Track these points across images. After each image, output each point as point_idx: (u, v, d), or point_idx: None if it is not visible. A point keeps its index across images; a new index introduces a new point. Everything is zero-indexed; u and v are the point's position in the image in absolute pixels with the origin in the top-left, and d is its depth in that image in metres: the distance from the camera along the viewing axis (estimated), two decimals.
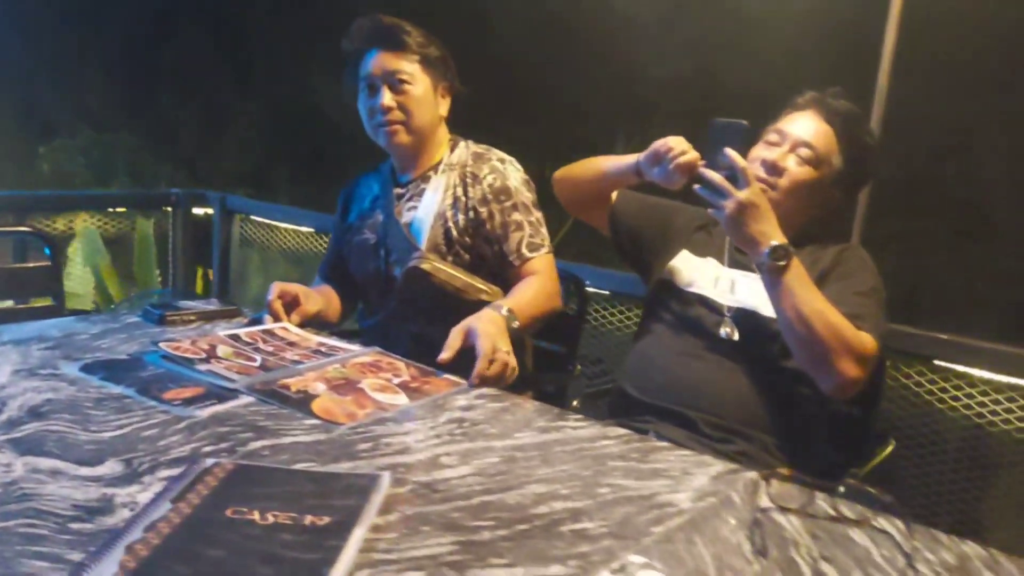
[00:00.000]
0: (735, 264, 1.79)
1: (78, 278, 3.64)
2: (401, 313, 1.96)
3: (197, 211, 3.69)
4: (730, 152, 1.56)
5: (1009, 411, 2.05)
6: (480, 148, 2.03)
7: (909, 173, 7.88)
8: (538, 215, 1.97)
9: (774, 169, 1.74)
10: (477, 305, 1.76)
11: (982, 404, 2.09)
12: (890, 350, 1.98)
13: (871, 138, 1.84)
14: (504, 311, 1.68)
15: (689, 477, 1.21)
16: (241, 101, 11.27)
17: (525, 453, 1.26)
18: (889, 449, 1.74)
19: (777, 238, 1.56)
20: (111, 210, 3.59)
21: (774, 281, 1.57)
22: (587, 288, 2.31)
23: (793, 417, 1.65)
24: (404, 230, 1.95)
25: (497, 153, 2.02)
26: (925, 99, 7.52)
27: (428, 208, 1.95)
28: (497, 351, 1.55)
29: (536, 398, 1.72)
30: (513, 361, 1.58)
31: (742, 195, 1.54)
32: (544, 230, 1.97)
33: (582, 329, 2.21)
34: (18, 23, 10.66)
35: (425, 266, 1.89)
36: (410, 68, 1.90)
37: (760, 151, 1.78)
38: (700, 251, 1.87)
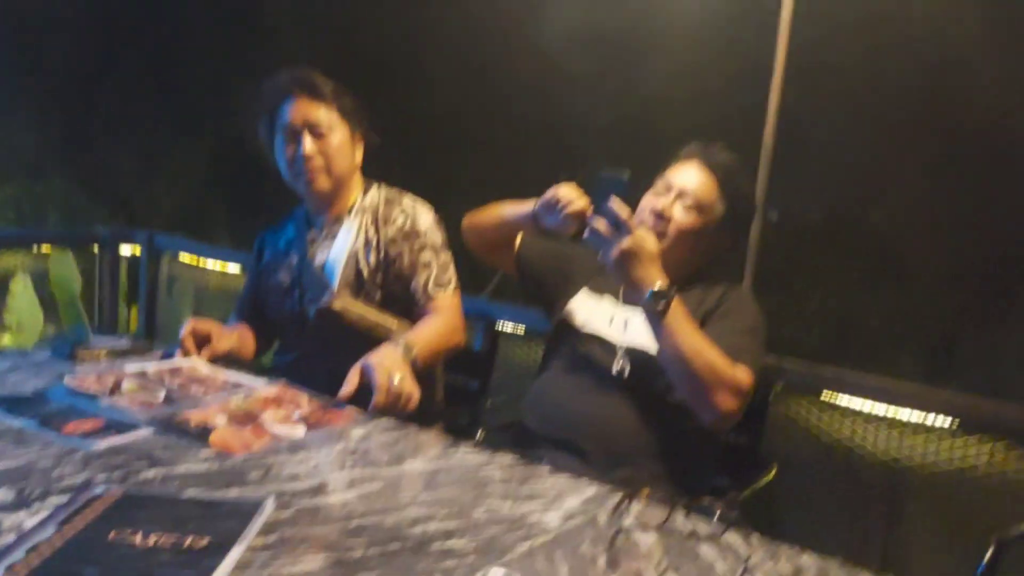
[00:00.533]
0: (629, 302, 1.90)
1: (24, 313, 3.61)
2: (315, 350, 2.02)
3: (127, 251, 3.70)
4: (613, 203, 1.67)
5: (889, 440, 2.18)
6: (392, 192, 2.12)
7: (832, 216, 8.22)
8: (446, 256, 2.06)
9: (661, 217, 1.88)
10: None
11: (867, 432, 2.22)
12: (783, 383, 2.12)
13: (750, 187, 1.99)
14: (401, 344, 1.76)
15: (561, 499, 1.30)
16: (179, 141, 11.24)
17: (410, 479, 1.33)
18: (771, 475, 1.85)
19: (657, 282, 1.66)
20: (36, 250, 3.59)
21: (655, 322, 1.68)
22: (501, 327, 2.40)
23: (678, 446, 1.75)
24: (317, 270, 2.02)
25: (408, 196, 2.11)
26: (842, 146, 7.91)
27: (340, 249, 2.03)
28: (392, 381, 1.63)
29: (447, 431, 1.80)
30: (410, 389, 1.65)
31: (624, 243, 1.65)
32: (452, 270, 2.05)
33: (494, 365, 2.30)
34: None
35: (336, 305, 1.96)
36: (328, 117, 1.99)
37: (649, 200, 1.92)
38: (598, 289, 1.98)
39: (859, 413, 2.21)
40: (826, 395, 2.25)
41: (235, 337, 1.99)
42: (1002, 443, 2.05)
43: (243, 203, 10.86)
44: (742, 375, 1.67)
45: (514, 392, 2.34)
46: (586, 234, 1.71)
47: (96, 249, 3.55)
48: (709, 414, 1.67)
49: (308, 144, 1.97)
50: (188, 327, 1.88)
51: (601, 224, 1.68)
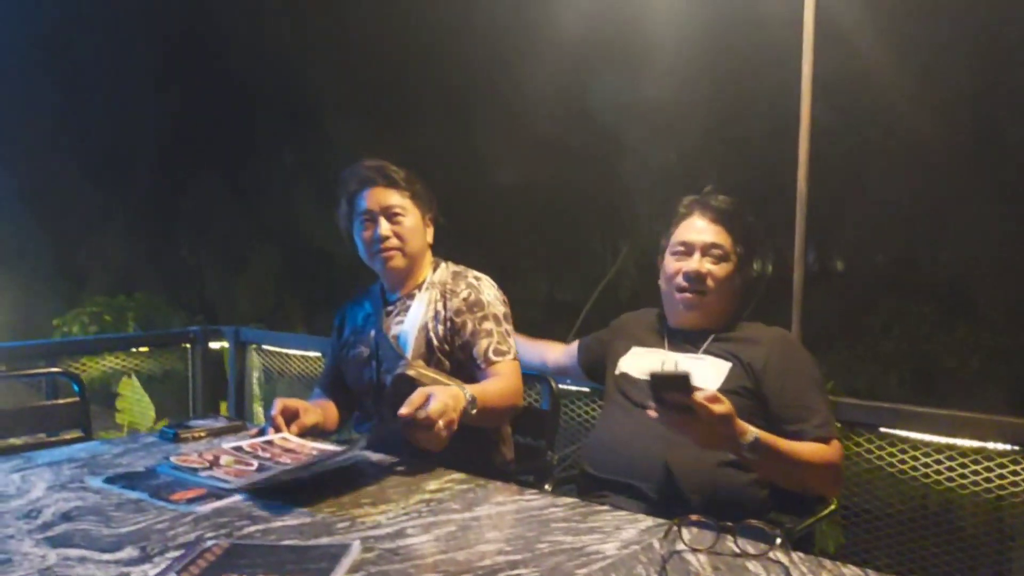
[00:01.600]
0: (676, 347, 2.04)
1: (135, 413, 3.94)
2: (392, 416, 2.17)
3: (214, 346, 3.97)
4: (676, 397, 1.64)
5: (951, 469, 2.21)
6: (458, 268, 2.30)
7: (899, 260, 8.16)
8: (508, 326, 2.20)
9: (699, 277, 2.02)
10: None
11: (926, 465, 2.25)
12: (838, 421, 2.18)
13: (755, 220, 2.11)
14: (468, 394, 1.89)
15: (619, 531, 1.41)
16: (257, 243, 11.86)
17: (480, 522, 1.47)
18: (831, 509, 1.91)
19: (746, 435, 1.71)
20: (134, 351, 3.90)
21: (762, 464, 1.77)
22: (561, 386, 2.53)
23: (735, 480, 1.84)
24: (392, 341, 2.20)
25: (473, 272, 2.28)
26: (902, 191, 7.90)
27: (413, 321, 2.21)
28: (441, 417, 1.75)
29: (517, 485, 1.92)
30: (445, 425, 1.76)
31: (703, 425, 1.65)
32: (512, 340, 2.19)
33: (558, 423, 2.42)
34: (50, 184, 11.43)
35: (411, 372, 2.10)
36: (402, 201, 2.21)
37: (675, 264, 2.07)
38: (647, 343, 2.12)
39: (917, 446, 2.25)
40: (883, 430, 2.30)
41: (320, 411, 2.16)
42: None
43: (315, 299, 11.36)
44: (836, 453, 1.83)
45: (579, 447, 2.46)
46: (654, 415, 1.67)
47: (189, 346, 3.83)
48: (824, 496, 1.85)
49: (384, 226, 2.18)
50: (279, 405, 2.06)
51: (670, 418, 1.67)
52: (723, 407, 1.66)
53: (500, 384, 2.07)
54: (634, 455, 1.89)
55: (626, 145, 10.12)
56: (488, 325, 2.17)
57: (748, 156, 8.28)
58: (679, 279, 2.05)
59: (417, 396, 1.79)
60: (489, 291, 2.23)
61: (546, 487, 2.07)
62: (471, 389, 1.93)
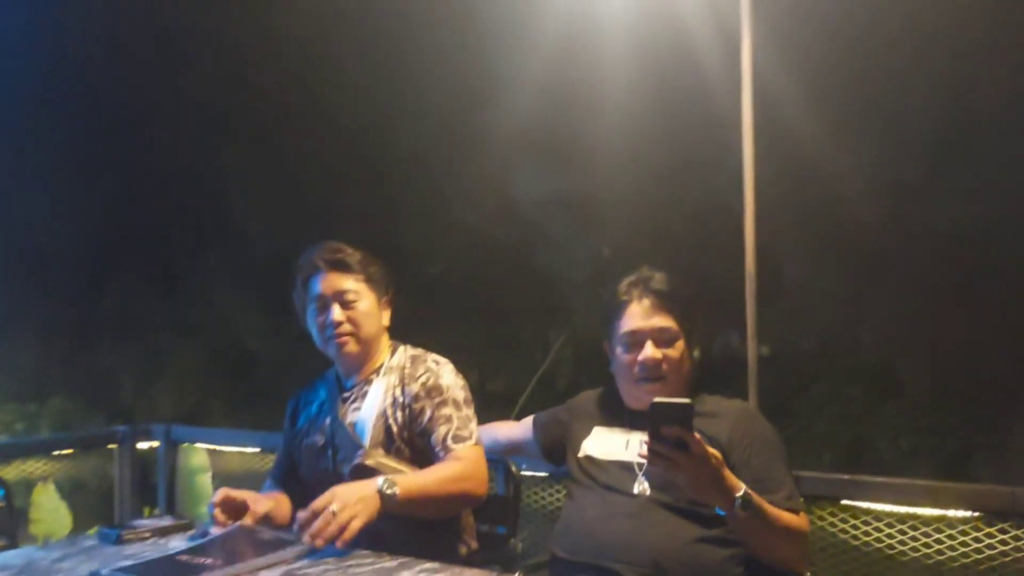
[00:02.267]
0: (639, 426, 2.01)
1: (51, 522, 3.65)
2: None
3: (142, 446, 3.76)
4: (675, 430, 1.62)
5: (915, 539, 2.23)
6: (417, 352, 2.24)
7: (824, 344, 8.41)
8: (468, 412, 2.13)
9: (655, 364, 2.02)
10: None
11: (890, 536, 2.26)
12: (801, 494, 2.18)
13: (691, 291, 2.13)
14: (381, 480, 1.83)
15: None
16: (178, 341, 11.50)
17: None
18: None
19: (737, 487, 1.70)
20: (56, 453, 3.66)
21: (748, 525, 1.73)
22: (523, 472, 2.47)
23: (708, 556, 1.81)
24: (349, 429, 2.11)
25: (433, 356, 2.22)
26: (821, 276, 8.22)
27: (371, 408, 2.13)
28: (331, 506, 1.71)
29: None
30: (345, 519, 1.71)
31: (703, 463, 1.64)
32: (473, 426, 2.12)
33: (519, 509, 2.35)
34: None
35: (369, 462, 2.01)
36: (356, 286, 2.16)
37: (628, 357, 2.06)
38: (608, 423, 2.11)
39: (880, 517, 2.27)
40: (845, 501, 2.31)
41: (271, 501, 2.05)
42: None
43: (238, 398, 11.02)
44: (805, 523, 1.83)
45: (542, 533, 2.39)
46: (646, 463, 1.70)
47: (115, 447, 3.62)
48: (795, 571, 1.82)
49: (337, 312, 2.12)
50: (219, 495, 1.96)
51: (664, 451, 1.64)
52: (717, 453, 1.65)
53: (446, 468, 1.99)
54: (609, 537, 1.85)
55: (556, 234, 10.30)
56: (447, 411, 2.10)
57: (675, 242, 8.54)
58: (636, 370, 2.04)
59: (321, 499, 1.75)
60: (448, 375, 2.16)
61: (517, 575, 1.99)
62: (399, 476, 1.88)
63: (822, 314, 8.25)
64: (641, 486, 1.90)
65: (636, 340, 2.05)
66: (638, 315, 2.06)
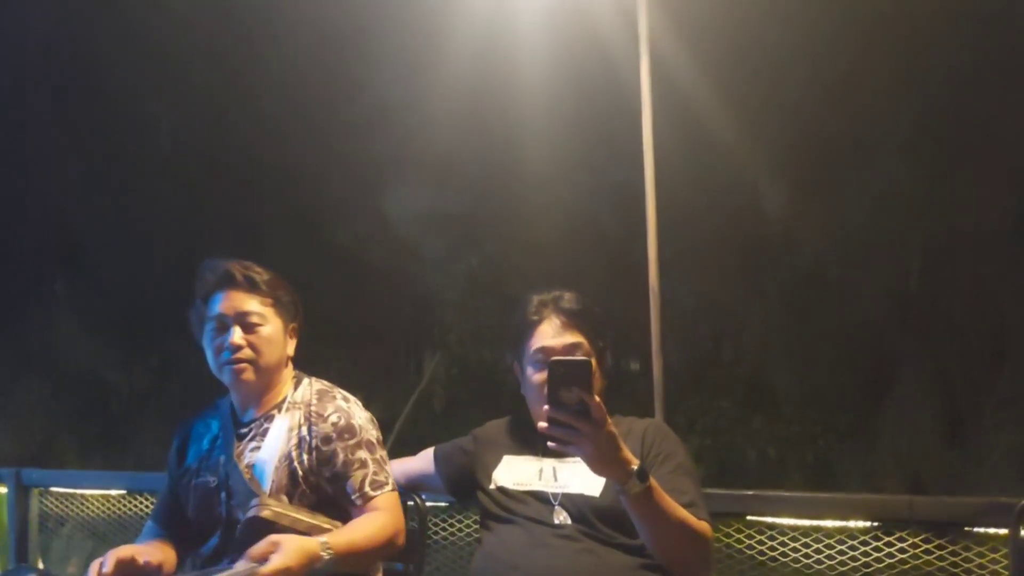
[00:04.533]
0: (550, 453, 1.94)
1: None
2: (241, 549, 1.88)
3: None
4: (579, 391, 1.57)
5: (819, 551, 2.27)
6: (324, 385, 2.04)
7: (694, 359, 8.69)
8: (382, 453, 1.97)
9: None
10: None
11: (795, 549, 2.29)
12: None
13: (600, 312, 2.09)
14: (320, 540, 1.72)
15: None
16: (20, 375, 10.61)
17: None
18: None
19: (634, 460, 1.65)
20: None
21: (642, 502, 1.66)
22: (424, 502, 2.35)
23: None
24: (246, 473, 1.90)
25: (341, 392, 2.03)
26: (696, 294, 8.51)
27: (272, 449, 1.92)
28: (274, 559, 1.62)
29: None
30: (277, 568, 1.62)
31: (602, 431, 1.59)
32: (388, 468, 1.97)
33: (425, 543, 2.23)
34: None
35: (266, 514, 1.83)
36: (261, 308, 1.94)
37: (540, 376, 1.96)
38: (518, 451, 2.02)
39: (784, 531, 2.29)
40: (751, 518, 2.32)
41: (160, 552, 1.85)
42: (921, 536, 2.17)
43: (90, 435, 10.25)
44: (708, 531, 1.77)
45: (451, 568, 2.28)
46: (545, 429, 1.58)
47: None
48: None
49: (237, 335, 1.91)
50: (112, 561, 1.74)
51: (565, 418, 1.58)
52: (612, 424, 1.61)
53: (374, 524, 1.85)
54: (536, 568, 1.76)
55: (427, 255, 10.22)
56: (362, 454, 1.92)
57: (551, 258, 8.64)
58: (544, 391, 1.97)
59: (262, 546, 1.65)
60: (360, 415, 1.98)
61: None
62: (332, 536, 1.76)
63: (691, 328, 8.53)
64: (561, 516, 1.83)
65: (547, 358, 1.98)
66: (549, 333, 2.00)
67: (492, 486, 1.99)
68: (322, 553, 1.69)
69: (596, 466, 1.63)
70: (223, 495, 1.92)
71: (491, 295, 9.05)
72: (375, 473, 1.91)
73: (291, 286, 2.05)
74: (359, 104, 9.59)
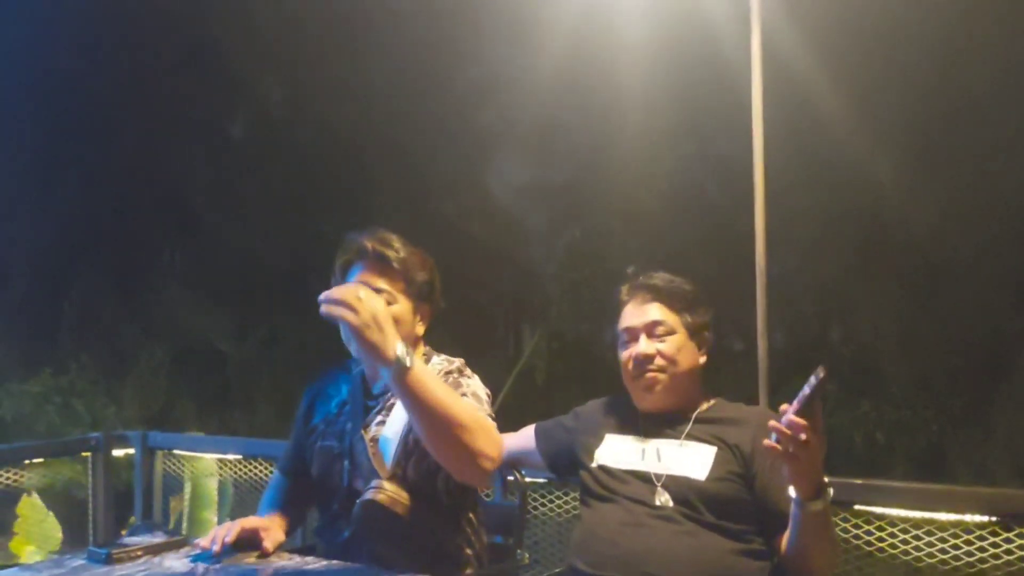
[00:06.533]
0: (654, 434, 1.95)
1: (35, 535, 3.49)
2: (362, 535, 1.90)
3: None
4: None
5: (931, 544, 2.19)
6: (453, 365, 2.01)
7: (799, 340, 8.44)
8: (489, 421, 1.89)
9: (647, 359, 1.96)
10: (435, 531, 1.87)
11: (905, 541, 2.22)
12: None
13: (692, 288, 2.07)
14: (402, 345, 1.66)
15: None
16: (144, 343, 11.22)
17: None
18: None
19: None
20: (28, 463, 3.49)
21: (818, 518, 1.64)
22: (527, 479, 2.38)
23: (740, 570, 1.75)
24: (371, 447, 1.92)
25: (467, 371, 2.01)
26: (802, 271, 8.25)
27: (397, 425, 1.92)
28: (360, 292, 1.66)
29: None
30: (357, 306, 1.63)
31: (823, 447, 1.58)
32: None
33: (525, 518, 2.27)
34: None
35: (381, 498, 1.83)
36: (390, 287, 1.93)
37: (625, 353, 2.01)
38: (620, 431, 2.03)
39: (895, 523, 2.22)
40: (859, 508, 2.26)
41: (279, 530, 1.95)
42: None
43: (207, 399, 10.77)
44: None
45: (551, 542, 2.31)
46: (778, 426, 1.56)
47: (89, 456, 3.46)
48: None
49: None
50: (236, 530, 1.84)
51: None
52: (381, 304, 1.64)
53: (464, 403, 1.80)
54: (636, 547, 1.77)
55: (530, 227, 10.23)
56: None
57: (660, 235, 8.52)
58: (630, 366, 2.00)
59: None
60: (480, 391, 1.95)
61: None
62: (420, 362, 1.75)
63: (797, 307, 8.29)
64: (662, 497, 1.83)
65: (631, 337, 2.01)
66: (633, 313, 2.03)
67: (594, 464, 2.00)
68: (401, 353, 1.64)
69: (799, 479, 1.62)
70: (346, 463, 1.96)
71: (592, 268, 9.00)
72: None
73: (432, 266, 2.03)
74: (465, 78, 9.64)
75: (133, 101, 11.59)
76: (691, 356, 2.00)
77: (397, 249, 1.96)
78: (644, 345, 1.97)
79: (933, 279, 7.57)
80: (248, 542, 1.86)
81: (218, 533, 1.84)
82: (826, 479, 1.62)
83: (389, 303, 1.91)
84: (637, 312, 2.01)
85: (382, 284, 1.93)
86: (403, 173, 10.60)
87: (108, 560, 1.75)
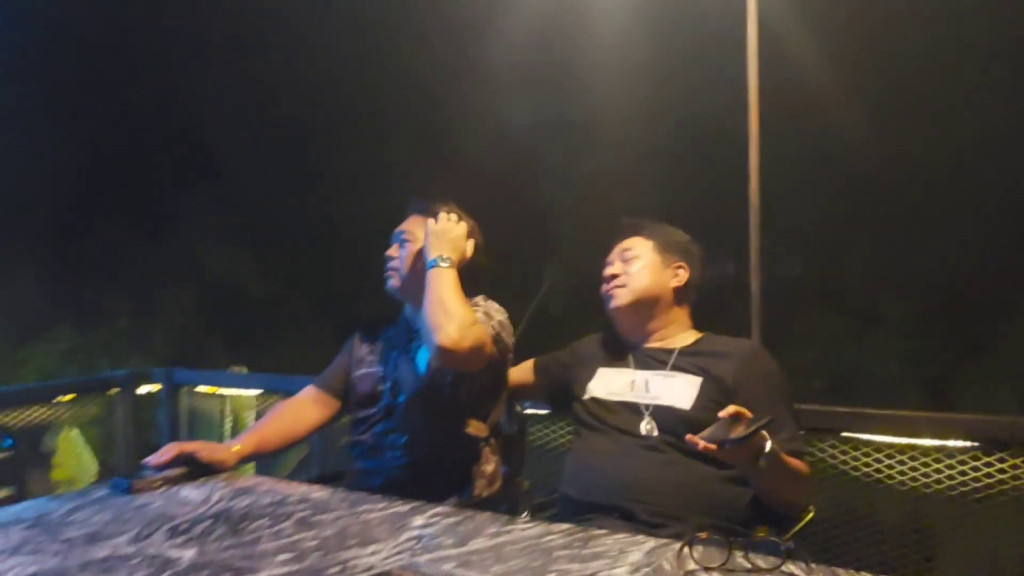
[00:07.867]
0: (644, 365, 2.03)
1: (74, 467, 3.70)
2: (397, 428, 2.15)
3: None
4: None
5: (914, 469, 2.27)
6: (492, 307, 2.22)
7: (809, 272, 8.46)
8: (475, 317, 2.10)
9: (612, 276, 2.14)
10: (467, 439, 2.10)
11: (889, 466, 2.30)
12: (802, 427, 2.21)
13: (671, 227, 2.22)
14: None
15: (625, 555, 1.38)
16: (169, 282, 11.43)
17: (480, 556, 1.41)
18: (809, 516, 1.92)
19: (765, 442, 1.67)
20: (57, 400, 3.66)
21: (763, 475, 1.72)
22: (526, 411, 2.49)
23: (718, 496, 1.84)
24: (415, 365, 2.17)
25: (495, 305, 2.23)
26: (800, 203, 8.22)
27: None
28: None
29: None
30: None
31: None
32: (499, 337, 2.14)
33: (524, 447, 2.38)
34: None
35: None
36: (421, 233, 2.18)
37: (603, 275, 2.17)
38: (612, 363, 2.12)
39: (880, 448, 2.30)
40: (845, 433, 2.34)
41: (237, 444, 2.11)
42: (1022, 458, 2.13)
43: (233, 337, 11.01)
44: (806, 467, 1.88)
45: (547, 471, 2.42)
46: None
47: (118, 391, 3.62)
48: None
49: (393, 248, 2.23)
50: (173, 451, 1.99)
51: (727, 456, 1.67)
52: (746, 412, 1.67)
53: (461, 299, 2.04)
54: (622, 476, 1.87)
55: (548, 163, 10.22)
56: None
57: (671, 167, 8.51)
58: (602, 288, 2.16)
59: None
60: (498, 314, 2.19)
61: (524, 515, 2.02)
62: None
63: (807, 243, 8.28)
64: (649, 426, 1.92)
65: (608, 264, 2.18)
66: (614, 247, 2.20)
67: (586, 396, 2.10)
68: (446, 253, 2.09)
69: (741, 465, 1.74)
70: (389, 383, 2.20)
71: (602, 204, 9.03)
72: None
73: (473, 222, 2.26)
74: (474, 9, 9.53)
75: (156, 41, 11.61)
76: (658, 278, 2.12)
77: (442, 205, 2.21)
78: (612, 267, 2.15)
79: (938, 214, 7.54)
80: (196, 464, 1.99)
81: (155, 455, 2.00)
82: (767, 444, 1.66)
83: (410, 242, 2.22)
84: (616, 247, 2.19)
85: (415, 230, 2.23)
86: (419, 112, 10.59)
87: (129, 490, 1.87)
